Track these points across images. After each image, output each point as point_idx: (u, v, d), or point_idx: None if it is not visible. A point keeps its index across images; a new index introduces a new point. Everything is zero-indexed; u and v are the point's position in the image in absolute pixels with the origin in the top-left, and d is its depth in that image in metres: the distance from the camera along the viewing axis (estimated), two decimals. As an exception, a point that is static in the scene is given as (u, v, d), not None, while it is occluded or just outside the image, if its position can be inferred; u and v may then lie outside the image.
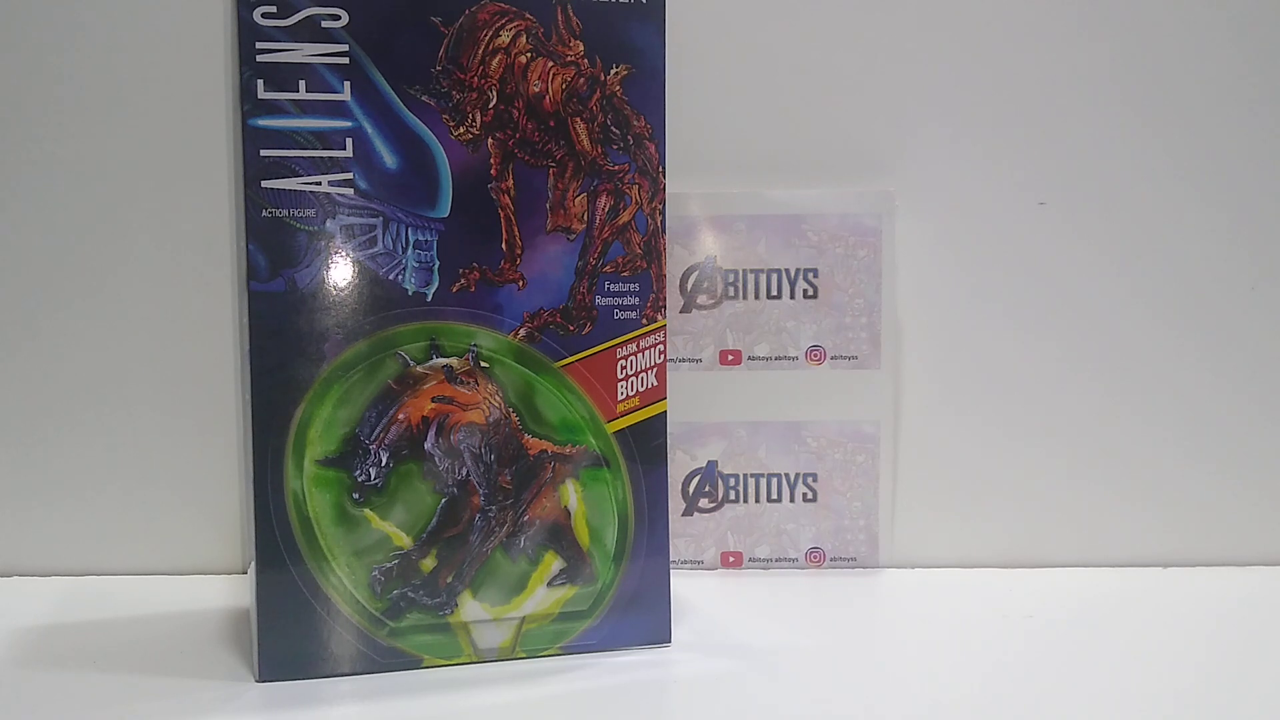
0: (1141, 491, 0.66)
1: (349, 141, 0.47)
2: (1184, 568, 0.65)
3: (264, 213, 0.46)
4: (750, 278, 0.63)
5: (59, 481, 0.62)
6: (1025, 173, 0.64)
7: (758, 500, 0.64)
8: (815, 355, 0.64)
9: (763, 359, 0.64)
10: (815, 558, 0.65)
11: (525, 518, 0.50)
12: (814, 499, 0.64)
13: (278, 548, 0.47)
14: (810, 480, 0.64)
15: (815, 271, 0.63)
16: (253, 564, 0.48)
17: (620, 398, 0.51)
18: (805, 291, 0.63)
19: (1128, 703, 0.47)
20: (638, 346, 0.51)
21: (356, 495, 0.48)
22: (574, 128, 0.49)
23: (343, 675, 0.48)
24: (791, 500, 0.64)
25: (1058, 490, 0.66)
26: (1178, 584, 0.63)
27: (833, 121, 0.63)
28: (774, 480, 0.64)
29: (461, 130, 0.48)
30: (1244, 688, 0.49)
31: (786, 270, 0.63)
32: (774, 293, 0.63)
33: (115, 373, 0.62)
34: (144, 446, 0.62)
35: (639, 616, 0.52)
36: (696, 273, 0.63)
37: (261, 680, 0.47)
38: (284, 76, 0.45)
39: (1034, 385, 0.65)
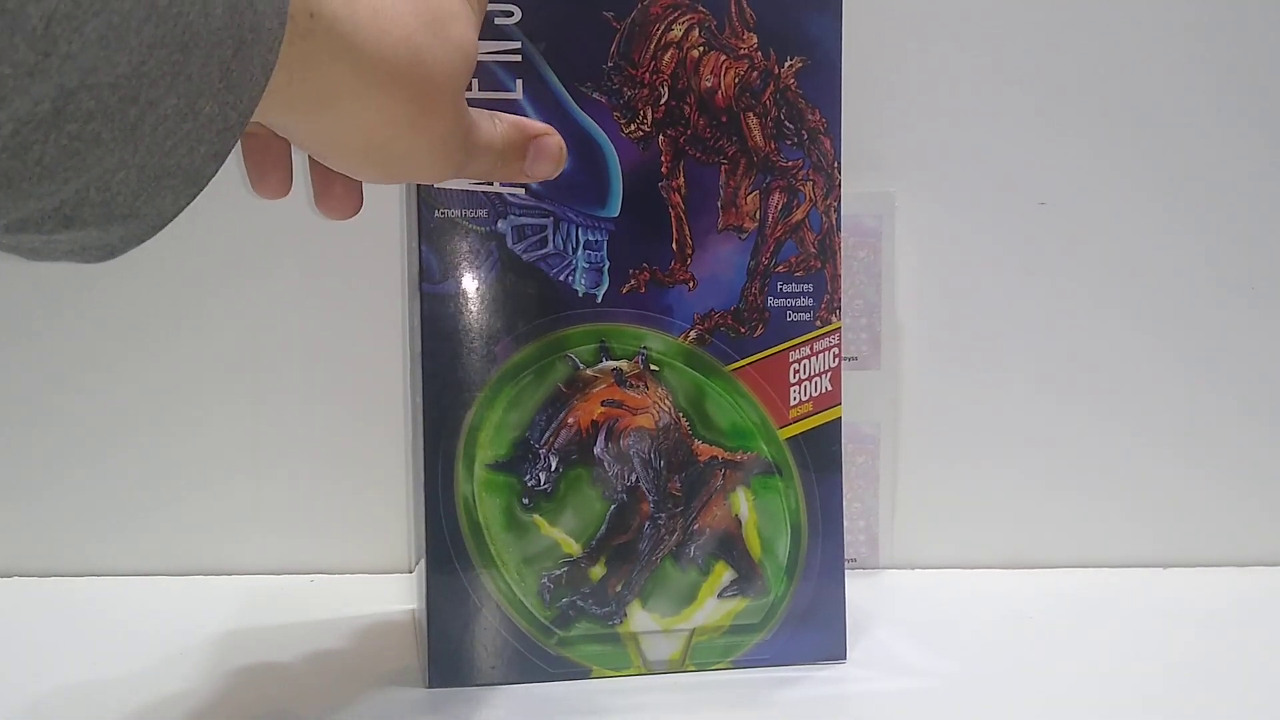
0: (1141, 492, 0.65)
1: (520, 141, 0.46)
2: (1184, 568, 0.65)
3: (436, 213, 0.46)
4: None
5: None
6: (1025, 173, 0.64)
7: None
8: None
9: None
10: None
11: (695, 526, 0.48)
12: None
13: (448, 553, 0.46)
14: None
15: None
16: (421, 567, 0.48)
17: (793, 403, 0.49)
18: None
19: (1128, 703, 0.46)
20: (811, 349, 0.49)
21: (526, 500, 0.47)
22: (746, 123, 0.48)
23: (512, 684, 0.47)
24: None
25: (1057, 491, 0.65)
26: (1178, 584, 0.63)
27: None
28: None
29: (632, 128, 0.47)
30: (1243, 688, 0.48)
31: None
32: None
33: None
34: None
35: (813, 631, 0.49)
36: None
37: (432, 686, 0.47)
38: (457, 76, 0.45)
39: (1034, 386, 0.65)
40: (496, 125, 0.41)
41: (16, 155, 0.24)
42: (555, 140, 0.43)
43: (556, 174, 0.44)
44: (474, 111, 0.39)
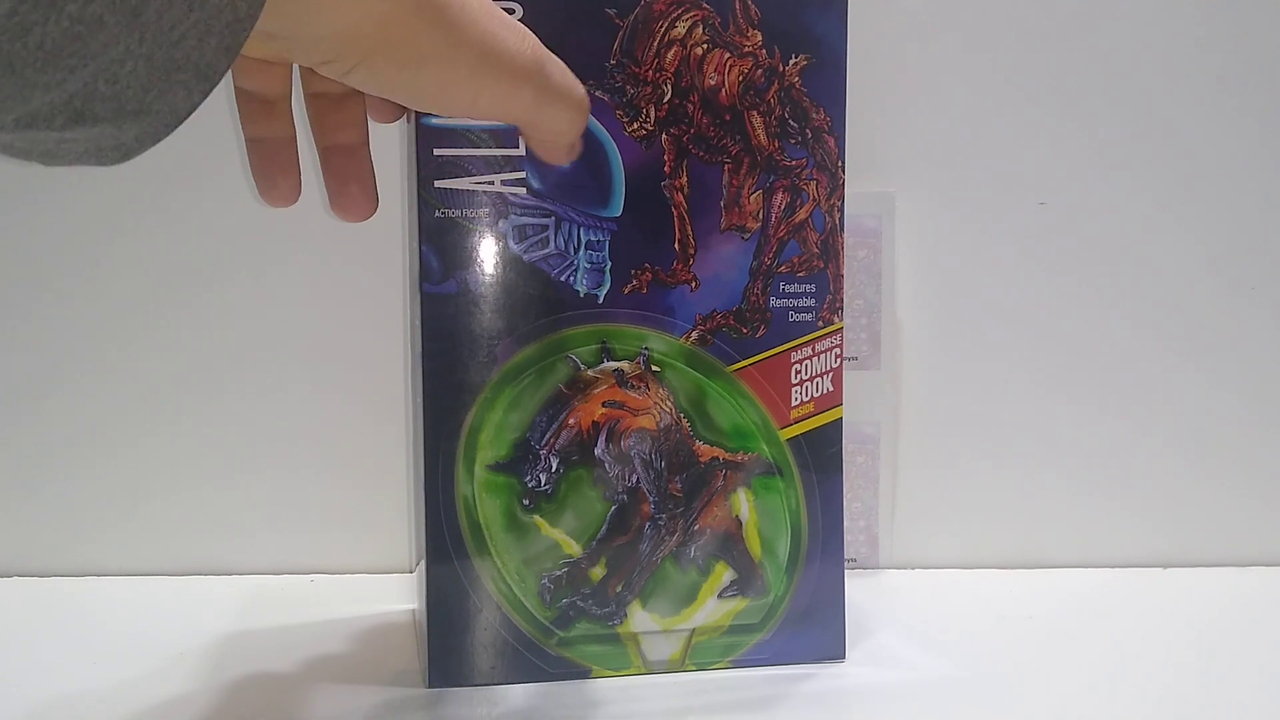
0: (1141, 492, 0.65)
1: (522, 140, 0.46)
2: (1184, 568, 0.65)
3: (437, 213, 0.45)
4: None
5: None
6: (1025, 172, 0.64)
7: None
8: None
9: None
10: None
11: (696, 526, 0.48)
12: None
13: (448, 554, 0.46)
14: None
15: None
16: (421, 568, 0.47)
17: (794, 403, 0.49)
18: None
19: (1127, 703, 0.47)
20: (813, 350, 0.49)
21: (527, 501, 0.47)
22: (750, 121, 0.48)
23: (512, 684, 0.47)
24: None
25: (1057, 491, 0.65)
26: (1178, 584, 0.63)
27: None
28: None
29: (635, 126, 0.47)
30: (1243, 688, 0.48)
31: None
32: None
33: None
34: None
35: (812, 631, 0.49)
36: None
37: (432, 686, 0.47)
38: (458, 74, 0.45)
39: (1033, 386, 0.65)
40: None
41: (17, 37, 0.23)
42: None
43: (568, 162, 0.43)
44: None
